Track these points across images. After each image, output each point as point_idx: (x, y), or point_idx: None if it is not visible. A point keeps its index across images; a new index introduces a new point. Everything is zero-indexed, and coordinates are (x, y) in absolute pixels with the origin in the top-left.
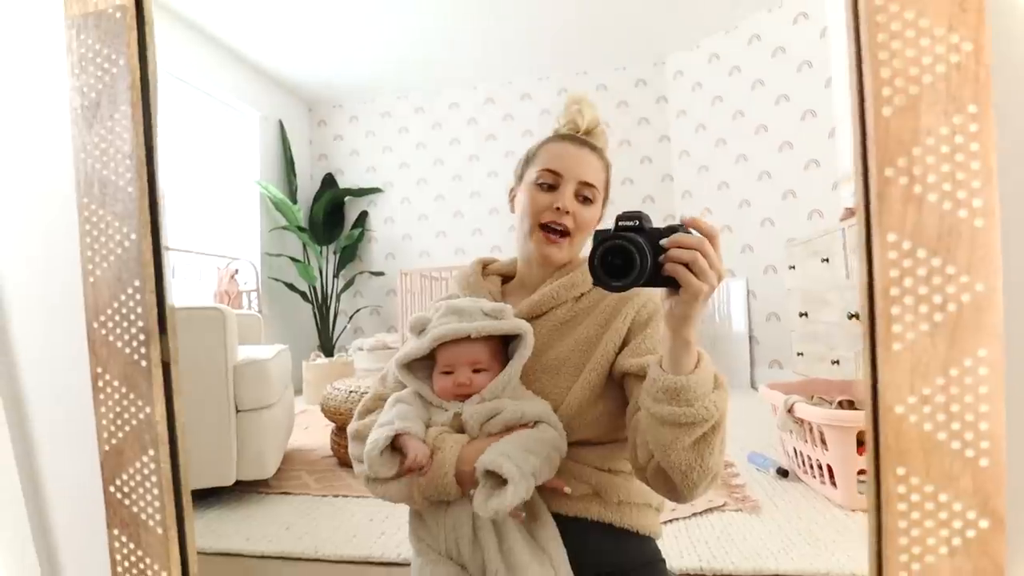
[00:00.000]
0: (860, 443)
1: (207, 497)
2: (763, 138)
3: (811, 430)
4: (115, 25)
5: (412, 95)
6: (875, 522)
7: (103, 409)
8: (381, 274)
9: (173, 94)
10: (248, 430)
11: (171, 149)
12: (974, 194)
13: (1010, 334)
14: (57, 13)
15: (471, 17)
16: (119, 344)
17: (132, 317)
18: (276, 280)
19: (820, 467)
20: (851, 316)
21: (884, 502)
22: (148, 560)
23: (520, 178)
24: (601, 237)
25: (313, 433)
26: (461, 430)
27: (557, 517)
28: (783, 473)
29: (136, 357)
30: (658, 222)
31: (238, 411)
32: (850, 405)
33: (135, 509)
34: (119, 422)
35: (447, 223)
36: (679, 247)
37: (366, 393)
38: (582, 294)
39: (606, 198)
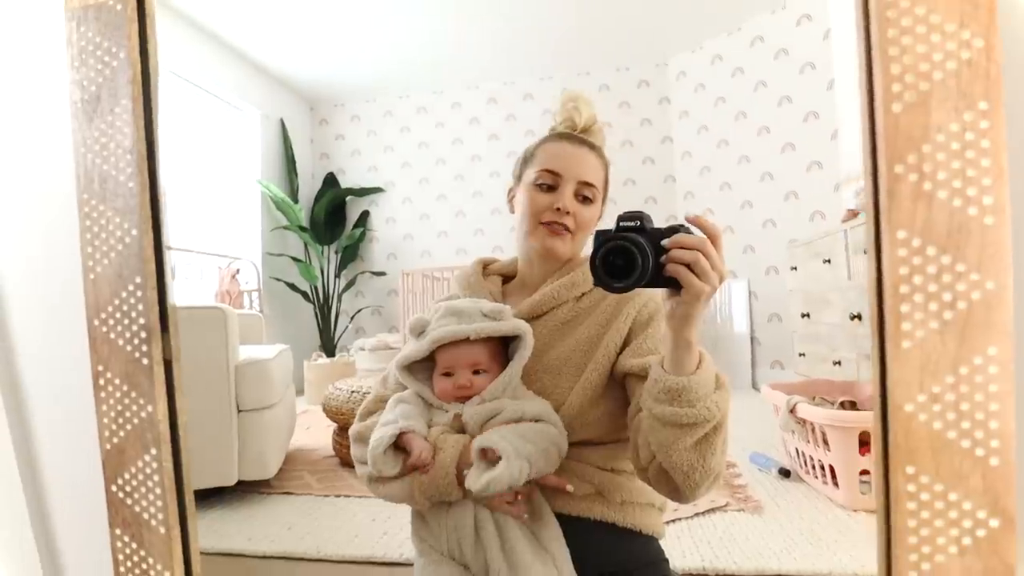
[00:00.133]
0: (862, 443)
1: (209, 497)
2: (765, 139)
3: (813, 430)
4: (115, 17)
5: (414, 94)
6: (884, 522)
7: (104, 408)
8: (383, 274)
9: (174, 92)
10: (250, 430)
11: (172, 148)
12: (984, 191)
13: (1020, 332)
14: (57, 5)
15: (474, 17)
16: (120, 342)
17: (133, 314)
18: (277, 280)
19: (822, 467)
20: (853, 317)
21: (893, 501)
22: (151, 560)
23: (519, 178)
24: (602, 238)
25: (315, 433)
26: (462, 431)
27: (560, 517)
28: (785, 473)
29: (137, 355)
30: (660, 223)
31: (240, 411)
32: (852, 406)
33: (137, 509)
34: (120, 421)
35: (449, 223)
36: (681, 247)
37: (368, 393)
38: (583, 294)
39: (605, 196)
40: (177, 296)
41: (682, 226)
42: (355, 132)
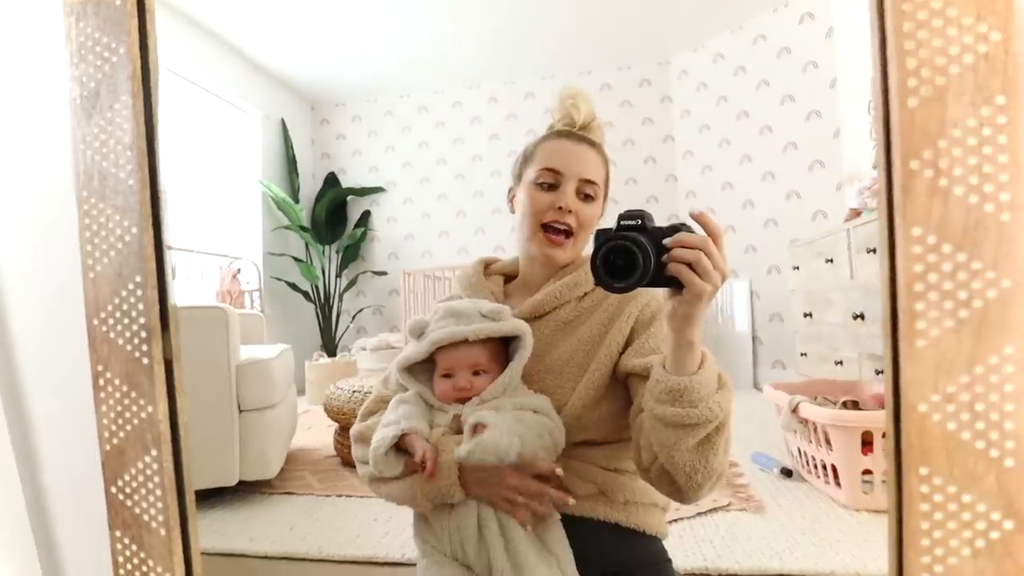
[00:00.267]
0: (865, 443)
1: (210, 497)
2: (767, 139)
3: (815, 430)
4: (115, 13)
5: (415, 94)
6: (896, 523)
7: (104, 408)
8: (384, 274)
9: (174, 91)
10: (251, 430)
11: (173, 148)
12: (1001, 188)
13: None
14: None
15: (475, 16)
16: (120, 341)
17: (133, 314)
18: (278, 280)
19: (824, 467)
20: (856, 317)
21: (906, 503)
22: (151, 562)
23: (519, 178)
24: (603, 237)
25: (316, 433)
26: (461, 432)
27: (563, 517)
28: (787, 473)
29: (137, 355)
30: (661, 222)
31: (241, 411)
32: (854, 406)
33: (137, 510)
34: (120, 421)
35: (450, 223)
36: (682, 246)
37: (369, 393)
38: (585, 293)
39: (606, 194)
40: (178, 296)
41: (683, 224)
42: (356, 132)
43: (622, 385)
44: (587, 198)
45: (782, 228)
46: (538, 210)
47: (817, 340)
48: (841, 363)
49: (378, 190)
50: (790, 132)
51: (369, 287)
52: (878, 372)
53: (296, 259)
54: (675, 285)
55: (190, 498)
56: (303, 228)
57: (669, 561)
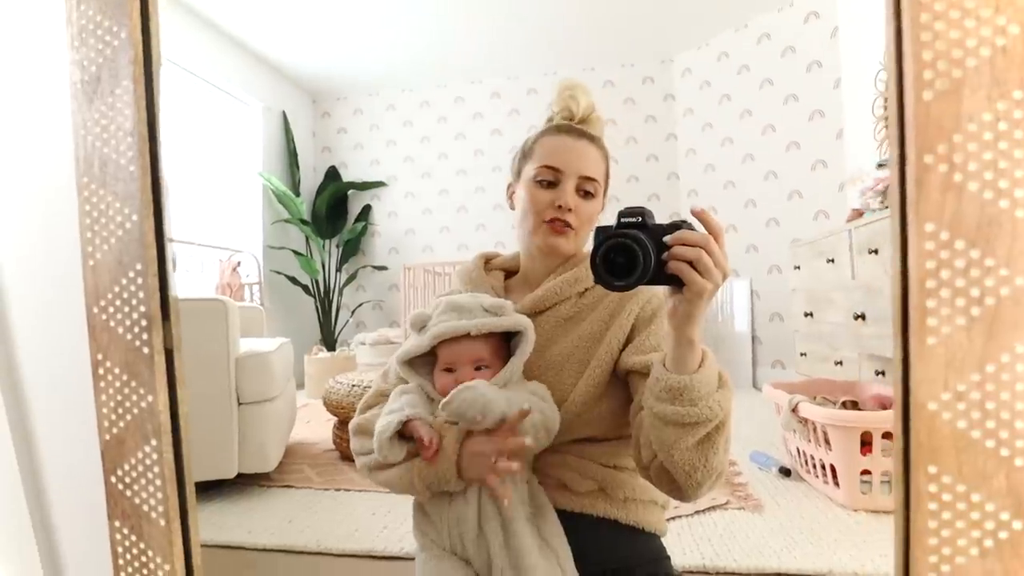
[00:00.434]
0: (864, 443)
1: (208, 490)
2: (770, 138)
3: (815, 430)
4: None
5: (417, 88)
6: (903, 522)
7: (104, 397)
8: (384, 268)
9: (174, 82)
10: (250, 423)
11: (173, 139)
12: (1016, 184)
13: None
14: None
15: (478, 11)
16: (120, 330)
17: (133, 302)
18: (278, 273)
19: (823, 467)
20: (856, 317)
21: (914, 501)
22: (150, 552)
23: (518, 174)
24: (603, 235)
25: (315, 427)
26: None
27: (562, 514)
28: (785, 472)
29: (138, 344)
30: (663, 220)
31: (240, 404)
32: (854, 406)
33: (137, 500)
34: (120, 411)
35: (451, 218)
36: (683, 244)
37: (368, 387)
38: (586, 289)
39: (606, 189)
40: (178, 288)
41: (684, 222)
42: (357, 125)
43: (622, 382)
44: (587, 195)
45: (783, 228)
46: (538, 208)
47: (817, 340)
48: (841, 363)
49: (379, 184)
50: (793, 131)
51: (369, 282)
52: (878, 372)
53: (296, 253)
54: (676, 283)
55: (190, 489)
56: (303, 222)
57: (668, 558)
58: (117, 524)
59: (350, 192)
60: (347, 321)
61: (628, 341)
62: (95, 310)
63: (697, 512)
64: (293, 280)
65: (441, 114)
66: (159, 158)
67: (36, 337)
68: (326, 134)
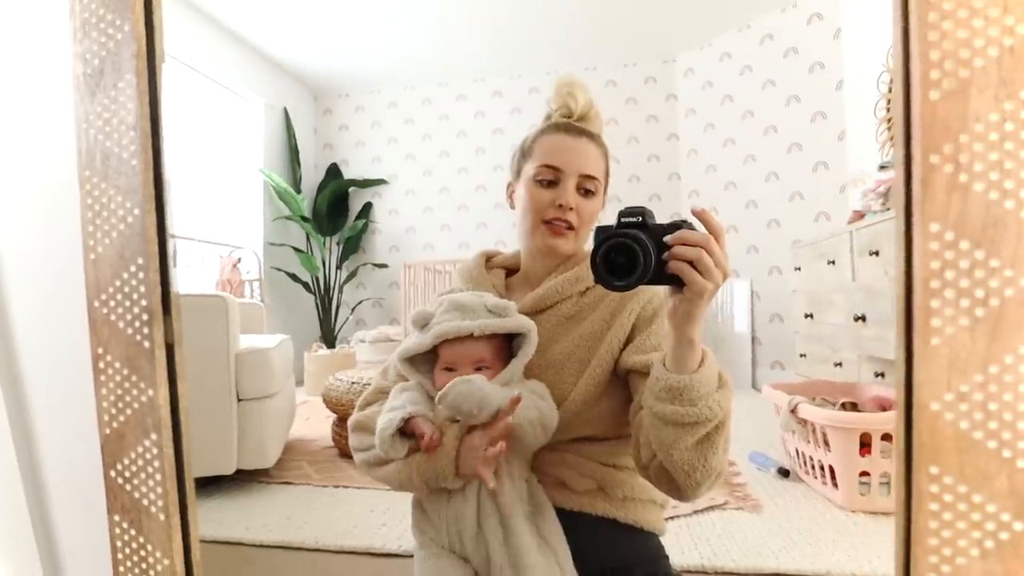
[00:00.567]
0: (862, 445)
1: (207, 485)
2: (772, 139)
3: (814, 431)
4: None
5: (419, 86)
6: (904, 522)
7: (104, 391)
8: (384, 266)
9: (176, 78)
10: (249, 419)
11: (174, 135)
12: (1022, 184)
13: None
14: None
15: (481, 10)
16: (121, 324)
17: (135, 296)
18: (279, 270)
19: (822, 468)
20: (857, 319)
21: (915, 502)
22: (150, 547)
23: (517, 174)
24: (604, 234)
25: (314, 424)
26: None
27: (561, 512)
28: (784, 473)
29: (139, 338)
30: (663, 220)
31: (240, 400)
32: (853, 407)
33: (136, 495)
34: (120, 405)
35: (452, 216)
36: (684, 244)
37: (368, 385)
38: (587, 288)
39: (607, 186)
40: (178, 284)
41: (684, 222)
42: (359, 123)
43: (622, 381)
44: (587, 193)
45: (784, 229)
46: (538, 207)
47: (817, 341)
48: (841, 364)
49: (380, 182)
50: (795, 133)
51: (369, 279)
52: (878, 374)
53: (297, 250)
54: (676, 283)
55: (190, 484)
56: (304, 218)
57: (666, 558)
58: (117, 518)
59: (351, 189)
60: (347, 318)
61: (628, 340)
62: (96, 304)
63: (696, 512)
64: (293, 277)
65: (443, 112)
66: (161, 152)
67: (36, 331)
68: (327, 131)
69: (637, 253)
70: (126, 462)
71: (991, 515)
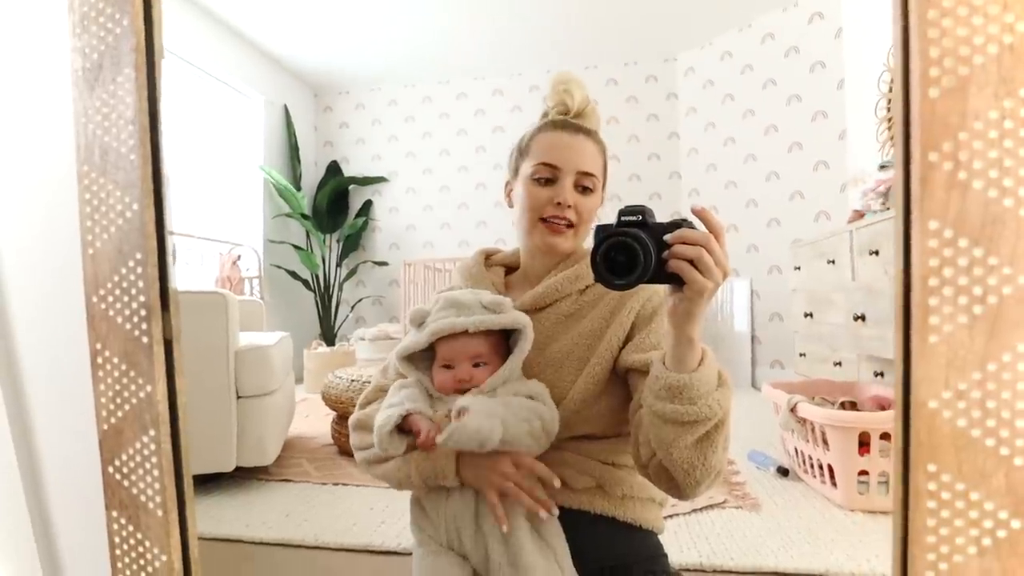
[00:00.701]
0: (861, 444)
1: (207, 482)
2: (772, 138)
3: (813, 430)
4: None
5: (420, 84)
6: (902, 519)
7: (102, 387)
8: (384, 264)
9: (176, 74)
10: (249, 416)
11: (174, 131)
12: (1021, 182)
13: None
14: None
15: (481, 8)
16: (119, 320)
17: (133, 292)
18: (278, 267)
19: (821, 467)
20: (856, 318)
21: (913, 499)
22: (148, 543)
23: (515, 172)
24: (604, 233)
25: (313, 422)
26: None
27: (560, 510)
28: (783, 472)
29: (137, 333)
30: (664, 219)
31: (239, 397)
32: (852, 406)
33: (135, 491)
34: (118, 400)
35: (452, 214)
36: (684, 242)
37: (368, 382)
38: (586, 287)
39: (605, 182)
40: (178, 281)
41: (685, 220)
42: (359, 120)
43: (622, 380)
44: (585, 190)
45: (784, 228)
46: (536, 205)
47: (817, 340)
48: (840, 364)
49: (380, 180)
50: (796, 132)
51: (369, 277)
52: (877, 374)
53: (296, 247)
54: (676, 282)
55: (188, 480)
56: (304, 216)
57: (665, 556)
58: (114, 514)
59: (351, 187)
60: (347, 316)
61: (628, 339)
62: (94, 299)
63: (695, 510)
64: (293, 275)
65: (443, 110)
66: (160, 147)
67: (35, 326)
68: (328, 128)
69: (637, 252)
70: (124, 458)
71: (989, 513)
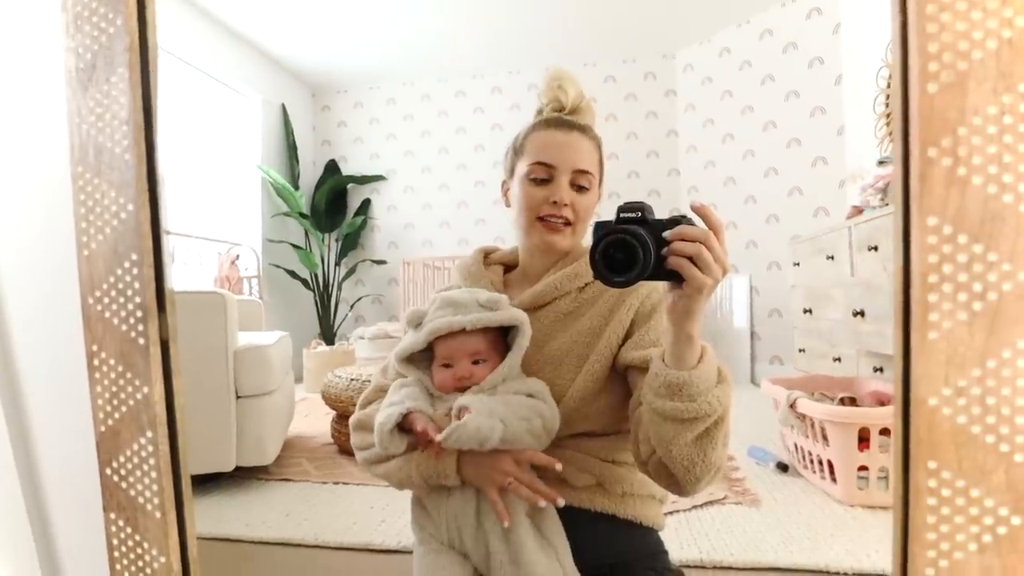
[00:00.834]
0: (861, 439)
1: (206, 482)
2: (771, 134)
3: (812, 426)
4: None
5: (418, 82)
6: (902, 516)
7: (99, 388)
8: (383, 263)
9: (172, 73)
10: (248, 416)
11: (171, 131)
12: (1021, 178)
13: None
14: None
15: (480, 6)
16: (115, 321)
17: (129, 293)
18: (277, 267)
19: (820, 462)
20: (856, 314)
21: (913, 497)
22: (146, 545)
23: (511, 171)
24: (603, 230)
25: (313, 421)
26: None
27: (561, 508)
28: (783, 468)
29: (133, 335)
30: (663, 216)
31: (238, 397)
32: (852, 402)
33: (132, 492)
34: (115, 402)
35: (451, 213)
36: (683, 239)
37: (367, 381)
38: (585, 284)
39: (602, 179)
40: (176, 281)
41: (684, 217)
42: (357, 119)
43: (621, 377)
44: (581, 188)
45: (783, 224)
46: (532, 205)
47: (816, 336)
48: (839, 360)
49: (379, 178)
50: (794, 128)
51: (368, 276)
52: (876, 369)
53: (295, 246)
54: (675, 279)
55: (186, 481)
56: (303, 215)
57: (665, 553)
58: (112, 516)
59: (349, 186)
60: (346, 315)
61: (627, 336)
62: (90, 300)
63: (695, 507)
64: (292, 274)
65: (441, 108)
66: (155, 147)
67: (30, 328)
68: (326, 127)
69: (636, 249)
70: (121, 459)
71: (989, 510)
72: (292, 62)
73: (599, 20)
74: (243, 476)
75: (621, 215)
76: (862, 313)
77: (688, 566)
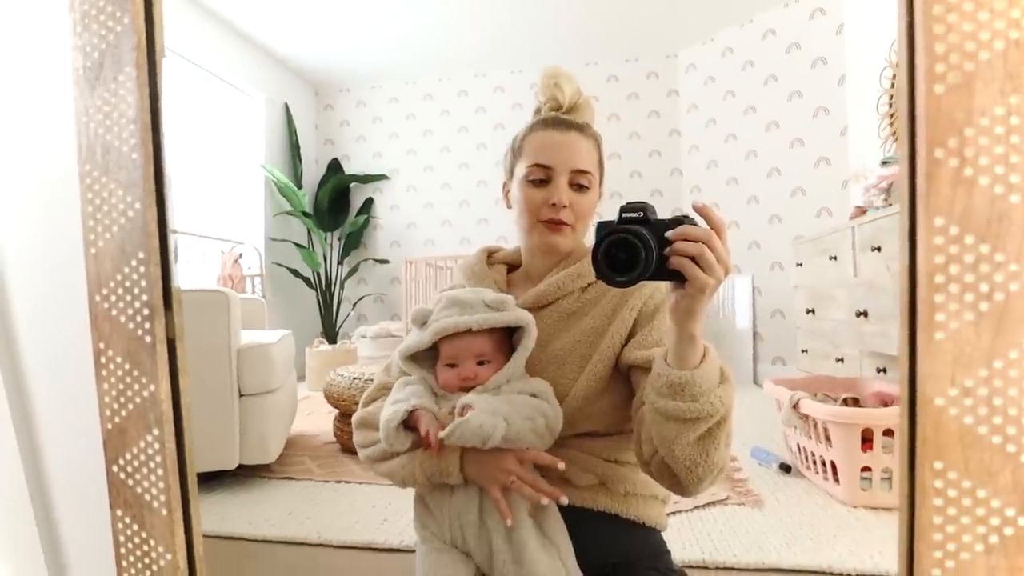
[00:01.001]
0: (864, 440)
1: (209, 481)
2: (774, 134)
3: (815, 426)
4: None
5: (420, 81)
6: (908, 517)
7: (105, 386)
8: (386, 262)
9: (176, 73)
10: (251, 414)
11: (175, 130)
12: None
13: None
14: None
15: (482, 5)
16: (122, 319)
17: (136, 291)
18: (280, 265)
19: (823, 463)
20: (859, 314)
21: (919, 497)
22: (152, 542)
23: (510, 173)
24: (605, 230)
25: (315, 419)
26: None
27: (563, 508)
28: (786, 468)
29: (140, 333)
30: (665, 216)
31: (241, 395)
32: (855, 402)
33: (139, 490)
34: (122, 400)
35: (453, 212)
36: (685, 239)
37: (370, 380)
38: (588, 284)
39: (602, 177)
40: (180, 280)
41: (686, 217)
42: (360, 118)
43: (624, 377)
44: (581, 188)
45: (786, 224)
46: (532, 207)
47: (819, 337)
48: (842, 360)
49: (381, 177)
50: (797, 128)
51: (370, 275)
52: (879, 370)
53: (298, 245)
54: (678, 279)
55: (192, 479)
56: (305, 214)
57: (668, 553)
58: (119, 513)
59: (352, 185)
60: (348, 314)
61: (630, 336)
62: (97, 299)
63: (697, 507)
64: (295, 273)
65: (444, 107)
66: (162, 146)
67: (38, 326)
68: (328, 126)
69: (639, 249)
70: (128, 457)
71: (995, 510)
72: (295, 61)
73: (601, 19)
74: (246, 474)
75: (623, 215)
76: (865, 314)
77: (691, 566)
